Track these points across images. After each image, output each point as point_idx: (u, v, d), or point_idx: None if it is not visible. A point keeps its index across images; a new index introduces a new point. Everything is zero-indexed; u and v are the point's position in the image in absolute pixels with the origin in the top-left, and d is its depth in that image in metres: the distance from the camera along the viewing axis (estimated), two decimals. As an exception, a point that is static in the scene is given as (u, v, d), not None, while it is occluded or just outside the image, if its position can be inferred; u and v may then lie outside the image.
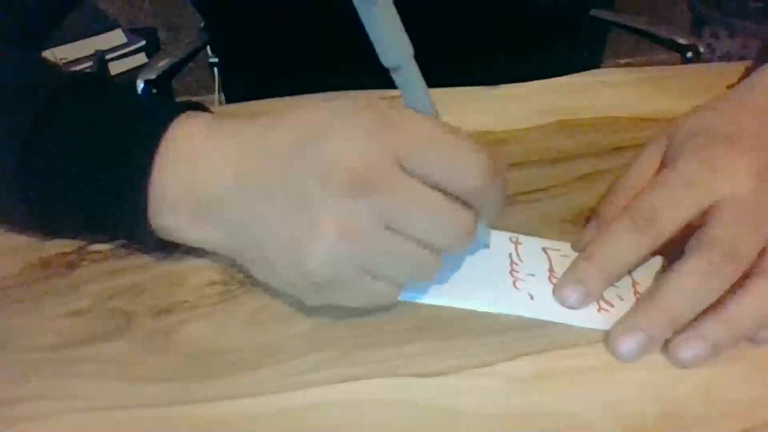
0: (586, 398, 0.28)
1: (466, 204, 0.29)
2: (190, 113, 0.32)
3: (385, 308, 0.32)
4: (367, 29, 0.27)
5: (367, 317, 0.32)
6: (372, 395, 0.28)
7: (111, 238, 0.36)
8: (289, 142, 0.29)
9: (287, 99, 0.49)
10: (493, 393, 0.28)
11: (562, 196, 0.40)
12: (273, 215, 0.29)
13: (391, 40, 0.28)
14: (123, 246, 0.36)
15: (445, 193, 0.28)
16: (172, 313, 0.32)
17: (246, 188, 0.30)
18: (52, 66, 0.37)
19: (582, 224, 0.37)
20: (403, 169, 0.28)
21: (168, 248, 0.34)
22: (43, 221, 0.35)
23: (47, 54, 1.44)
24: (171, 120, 0.31)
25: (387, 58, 0.29)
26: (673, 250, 0.32)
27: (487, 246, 0.36)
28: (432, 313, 0.32)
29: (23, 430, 0.27)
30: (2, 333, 0.31)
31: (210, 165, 0.31)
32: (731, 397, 0.28)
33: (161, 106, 0.33)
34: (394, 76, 0.29)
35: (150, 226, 0.32)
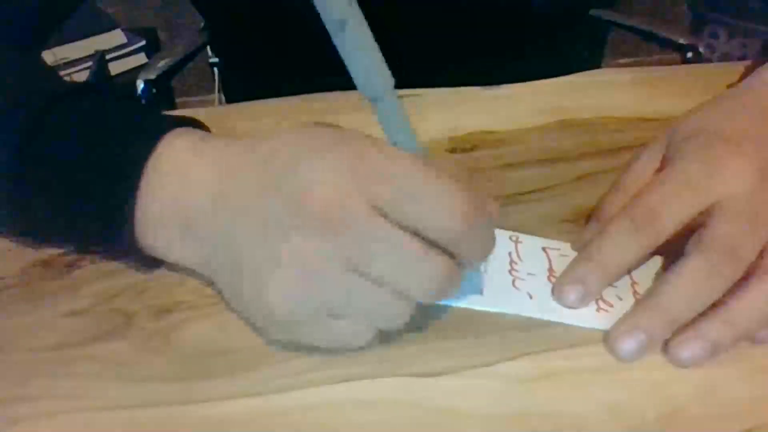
0: (586, 398, 0.28)
1: (445, 251, 0.27)
2: (177, 132, 0.32)
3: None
4: (341, 55, 0.26)
5: (367, 317, 0.32)
6: (372, 395, 0.28)
7: (101, 251, 0.35)
8: (263, 173, 0.28)
9: (286, 99, 0.49)
10: (493, 393, 0.28)
11: (562, 196, 0.40)
12: (241, 245, 0.28)
13: (367, 69, 0.26)
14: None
15: (422, 238, 0.27)
16: (172, 313, 0.32)
17: (220, 215, 0.29)
18: (45, 72, 0.37)
19: (582, 224, 0.37)
20: (377, 209, 0.26)
21: (156, 265, 0.34)
22: (35, 234, 0.35)
23: (47, 54, 1.44)
24: (158, 140, 0.31)
25: (364, 89, 0.26)
26: (673, 250, 0.32)
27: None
28: (432, 313, 0.32)
29: (23, 430, 0.27)
30: (2, 333, 0.31)
31: (190, 188, 0.30)
32: (731, 397, 0.28)
33: (148, 124, 0.33)
34: (373, 107, 0.27)
35: (138, 245, 0.32)
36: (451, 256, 0.27)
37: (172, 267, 0.34)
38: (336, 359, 0.30)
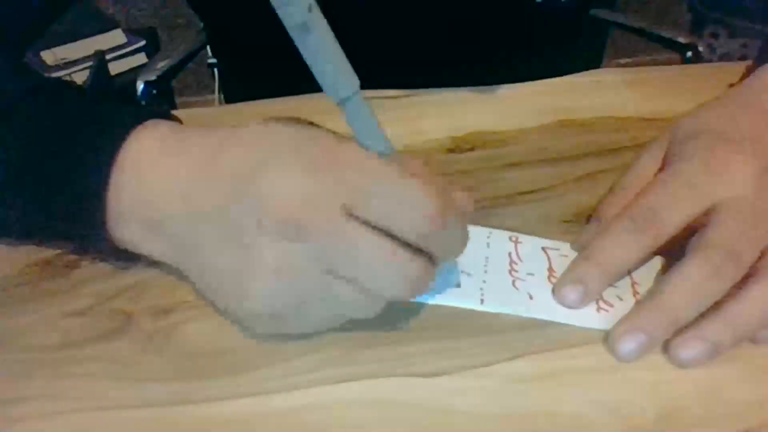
0: (586, 398, 0.28)
1: (419, 250, 0.27)
2: (147, 124, 0.32)
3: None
4: (306, 60, 0.26)
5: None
6: (372, 395, 0.28)
7: (74, 249, 0.35)
8: (233, 175, 0.28)
9: (286, 99, 0.49)
10: (493, 393, 0.28)
11: (562, 196, 0.40)
12: (214, 246, 0.28)
13: (333, 72, 0.26)
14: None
15: (394, 238, 0.27)
16: (172, 313, 0.32)
17: (191, 215, 0.29)
18: (13, 68, 0.37)
19: (582, 224, 0.37)
20: (347, 211, 0.26)
21: (129, 259, 0.34)
22: (5, 229, 0.35)
23: (47, 54, 1.45)
24: (128, 132, 0.31)
25: (331, 92, 0.26)
26: (673, 251, 0.32)
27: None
28: (432, 313, 0.32)
29: (23, 430, 0.27)
30: (3, 333, 0.31)
31: (160, 185, 0.30)
32: (731, 397, 0.28)
33: (119, 116, 0.32)
34: (341, 109, 0.27)
35: (109, 237, 0.32)
36: (424, 253, 0.28)
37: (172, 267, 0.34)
38: (336, 359, 0.30)
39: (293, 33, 0.25)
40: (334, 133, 0.28)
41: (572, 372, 0.29)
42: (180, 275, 0.34)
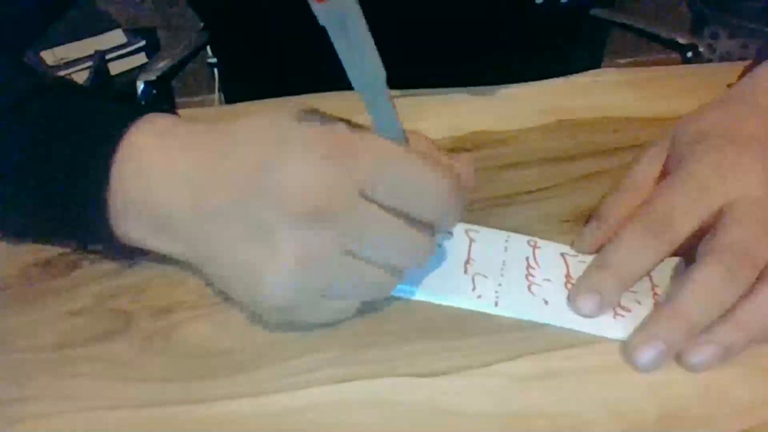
0: (586, 398, 0.28)
1: (425, 224, 0.29)
2: (147, 118, 0.31)
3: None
4: (338, 52, 0.26)
5: (367, 317, 0.32)
6: (372, 395, 0.28)
7: (78, 246, 0.35)
8: (245, 167, 0.28)
9: (286, 99, 0.49)
10: (493, 393, 0.28)
11: (562, 196, 0.40)
12: (230, 241, 0.28)
13: (364, 63, 0.26)
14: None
15: (406, 216, 0.28)
16: (172, 313, 0.32)
17: (203, 213, 0.29)
18: (18, 68, 0.37)
19: (582, 224, 0.37)
20: (363, 194, 0.27)
21: (133, 256, 0.34)
22: (10, 226, 0.35)
23: (47, 54, 1.45)
24: (128, 127, 0.31)
25: (358, 82, 0.27)
26: (684, 250, 0.32)
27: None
28: (432, 313, 0.32)
29: (23, 430, 0.27)
30: (2, 333, 0.31)
31: (164, 182, 0.30)
32: (731, 397, 0.28)
33: (122, 111, 0.32)
34: (365, 98, 0.28)
35: (114, 234, 0.31)
36: (429, 224, 0.29)
37: (172, 267, 0.34)
38: (336, 359, 0.30)
39: (329, 23, 0.25)
40: (347, 121, 0.29)
41: (572, 372, 0.29)
42: (182, 273, 0.34)
